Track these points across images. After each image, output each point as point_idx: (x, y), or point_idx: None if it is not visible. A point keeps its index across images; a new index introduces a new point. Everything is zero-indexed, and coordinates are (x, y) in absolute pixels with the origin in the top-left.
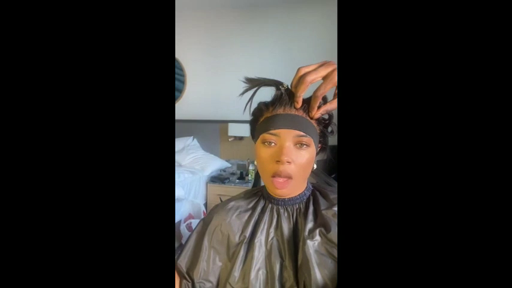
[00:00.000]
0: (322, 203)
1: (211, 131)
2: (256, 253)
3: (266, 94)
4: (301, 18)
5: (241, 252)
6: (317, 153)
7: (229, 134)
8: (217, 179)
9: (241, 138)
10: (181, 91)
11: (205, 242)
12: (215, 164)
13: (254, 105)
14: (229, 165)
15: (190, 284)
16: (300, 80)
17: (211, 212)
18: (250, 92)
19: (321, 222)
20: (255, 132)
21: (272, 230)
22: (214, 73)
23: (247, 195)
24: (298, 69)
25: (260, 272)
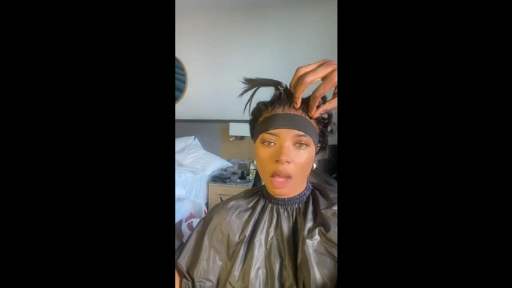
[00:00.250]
0: (322, 202)
1: (212, 131)
2: (256, 252)
3: (266, 94)
4: (301, 18)
5: (241, 252)
6: (317, 153)
7: (230, 133)
8: (219, 178)
9: (242, 137)
10: (182, 91)
11: (206, 241)
12: (216, 163)
13: (253, 105)
14: (231, 164)
15: (190, 283)
16: (299, 80)
17: (211, 212)
18: (250, 92)
19: (320, 222)
20: (255, 132)
21: (272, 229)
22: (215, 73)
23: (247, 195)
24: (297, 69)
25: (260, 271)
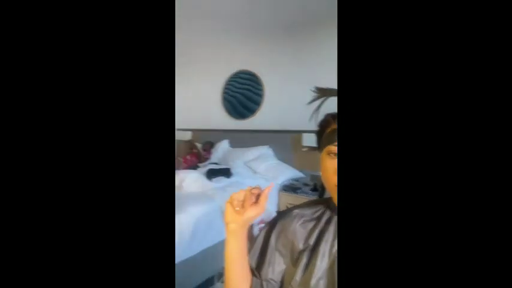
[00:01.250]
0: None
1: (285, 141)
2: (318, 262)
3: (334, 106)
4: None
5: (304, 259)
6: None
7: (303, 144)
8: (290, 188)
9: (315, 148)
10: (259, 104)
11: (272, 245)
12: (287, 173)
13: (321, 116)
14: (303, 175)
15: (260, 282)
16: None
17: (276, 217)
18: (319, 102)
19: None
20: (321, 143)
21: (336, 242)
22: (290, 86)
23: (311, 205)
24: None
25: (321, 282)
